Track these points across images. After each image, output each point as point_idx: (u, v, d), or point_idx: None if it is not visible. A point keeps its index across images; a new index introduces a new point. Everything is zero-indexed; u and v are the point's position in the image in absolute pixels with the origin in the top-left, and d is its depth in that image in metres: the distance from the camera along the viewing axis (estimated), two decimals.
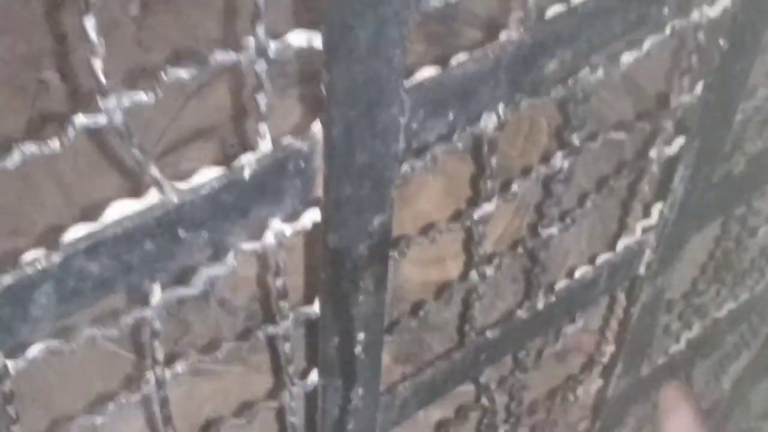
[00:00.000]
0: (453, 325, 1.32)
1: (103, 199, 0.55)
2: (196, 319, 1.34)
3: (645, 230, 0.99)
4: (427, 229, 0.77)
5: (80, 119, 0.49)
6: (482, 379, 0.99)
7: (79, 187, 1.69)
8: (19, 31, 2.15)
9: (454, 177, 1.34)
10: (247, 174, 0.58)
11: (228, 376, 1.31)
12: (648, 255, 1.01)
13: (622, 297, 1.09)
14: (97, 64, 0.48)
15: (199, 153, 1.59)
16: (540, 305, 0.93)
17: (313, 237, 0.68)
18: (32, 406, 1.31)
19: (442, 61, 0.64)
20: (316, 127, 0.59)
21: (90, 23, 0.47)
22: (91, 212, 0.55)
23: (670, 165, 0.93)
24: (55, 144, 0.50)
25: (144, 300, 0.62)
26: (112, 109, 0.50)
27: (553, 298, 0.94)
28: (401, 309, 1.24)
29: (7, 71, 2.06)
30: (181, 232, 0.57)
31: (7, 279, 0.52)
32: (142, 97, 0.51)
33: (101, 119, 0.50)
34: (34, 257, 0.53)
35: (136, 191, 0.56)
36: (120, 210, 0.55)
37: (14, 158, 0.49)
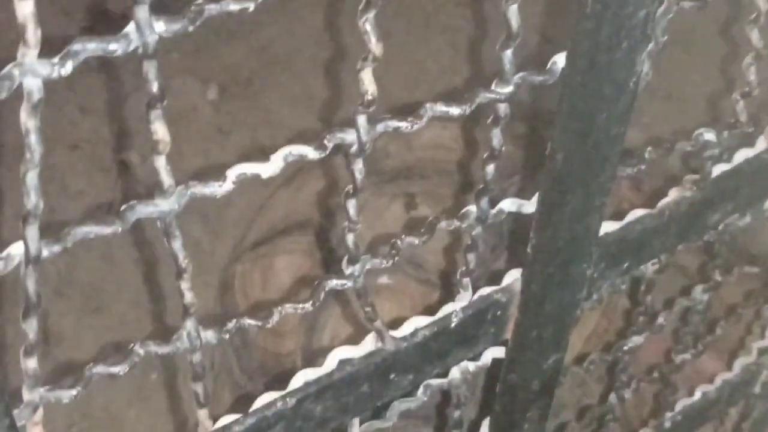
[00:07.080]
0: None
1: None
2: None
3: (762, 352, 1.03)
4: (581, 359, 0.82)
5: (330, 283, 0.55)
6: None
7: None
8: (102, 111, 2.24)
9: None
10: (454, 323, 0.63)
11: None
12: (765, 375, 1.04)
13: (732, 411, 1.12)
14: (351, 238, 0.54)
15: (293, 245, 1.62)
16: (667, 424, 0.97)
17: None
18: None
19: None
20: (513, 279, 0.65)
21: (351, 203, 0.52)
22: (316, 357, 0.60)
23: None
24: (307, 305, 0.55)
25: None
26: (357, 274, 0.55)
27: (679, 417, 0.98)
28: None
29: (90, 152, 2.14)
30: (392, 376, 0.62)
31: (249, 420, 0.57)
32: (381, 262, 0.57)
33: (348, 283, 0.55)
34: (271, 399, 0.58)
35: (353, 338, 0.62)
36: (340, 355, 0.60)
37: (272, 319, 0.54)
